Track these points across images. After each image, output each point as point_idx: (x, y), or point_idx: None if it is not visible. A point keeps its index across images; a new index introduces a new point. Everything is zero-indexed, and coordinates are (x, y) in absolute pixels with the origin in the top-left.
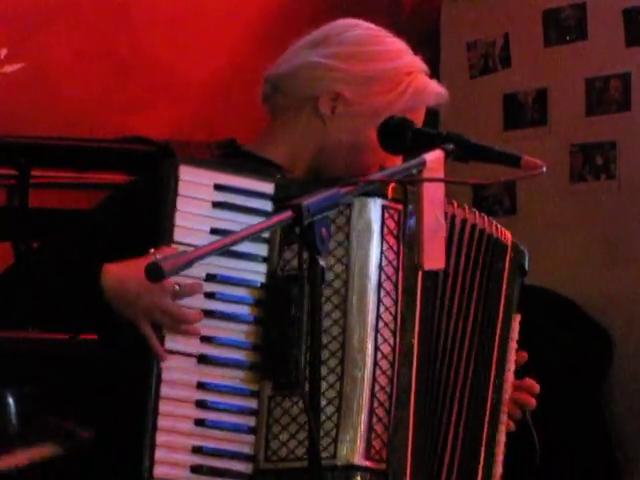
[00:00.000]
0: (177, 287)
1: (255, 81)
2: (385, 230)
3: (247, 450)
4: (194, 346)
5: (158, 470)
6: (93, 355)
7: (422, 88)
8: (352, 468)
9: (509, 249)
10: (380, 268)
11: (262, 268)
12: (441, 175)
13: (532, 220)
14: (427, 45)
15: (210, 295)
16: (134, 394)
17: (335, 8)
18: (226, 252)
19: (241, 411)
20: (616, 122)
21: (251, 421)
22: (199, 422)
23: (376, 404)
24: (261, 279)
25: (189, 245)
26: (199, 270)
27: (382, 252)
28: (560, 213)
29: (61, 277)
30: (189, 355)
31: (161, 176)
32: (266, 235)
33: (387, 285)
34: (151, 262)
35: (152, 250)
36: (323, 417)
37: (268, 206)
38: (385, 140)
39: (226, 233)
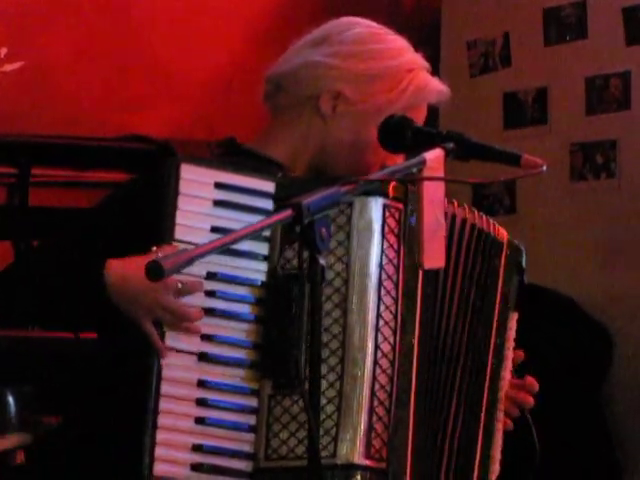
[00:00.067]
0: (179, 285)
1: (255, 80)
2: (386, 229)
3: (247, 448)
4: (195, 344)
5: (158, 468)
6: (93, 353)
7: (423, 85)
8: (352, 467)
9: (505, 246)
10: (381, 267)
11: (263, 267)
12: (441, 174)
13: (532, 219)
14: (427, 44)
15: (211, 293)
16: (134, 392)
17: (335, 7)
18: (227, 250)
19: (241, 409)
20: (616, 121)
21: (251, 419)
22: (199, 420)
23: (376, 403)
24: (262, 278)
25: (190, 243)
26: (200, 268)
27: (383, 251)
28: (560, 212)
29: (62, 275)
30: (189, 353)
31: (162, 174)
32: (267, 234)
33: (387, 284)
34: (151, 260)
35: (154, 248)
36: (323, 416)
37: (269, 205)
38: (385, 139)
39: (227, 231)
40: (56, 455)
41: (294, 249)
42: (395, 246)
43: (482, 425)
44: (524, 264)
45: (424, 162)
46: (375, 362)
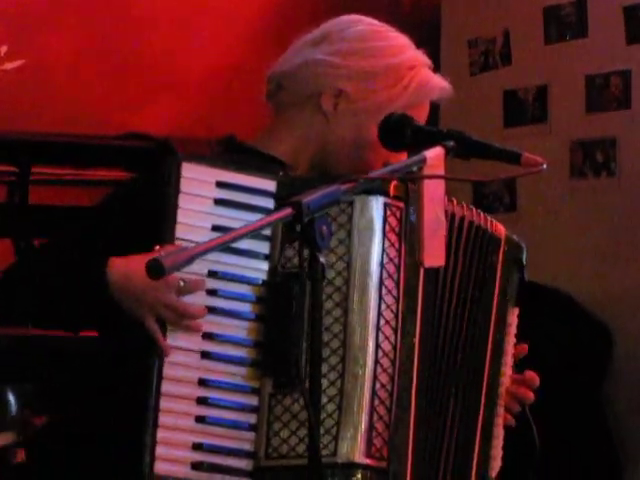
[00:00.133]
0: (182, 283)
1: (255, 78)
2: (387, 228)
3: (248, 447)
4: (195, 343)
5: (158, 466)
6: (94, 352)
7: (425, 82)
8: (353, 466)
9: (502, 242)
10: (382, 266)
11: (264, 265)
12: (441, 172)
13: (532, 217)
14: (427, 42)
15: (212, 292)
16: (135, 390)
17: (335, 6)
18: (228, 249)
19: (242, 408)
20: (616, 119)
21: (252, 418)
22: (200, 419)
23: (377, 402)
24: (263, 276)
25: (191, 242)
26: (201, 267)
27: (384, 250)
28: (560, 210)
29: (63, 274)
30: (190, 351)
31: (163, 173)
32: (268, 233)
33: (388, 283)
34: (152, 259)
35: (157, 247)
36: (324, 414)
37: (270, 204)
38: (385, 137)
39: (228, 230)
40: (56, 454)
41: (295, 248)
42: (396, 245)
43: (481, 421)
44: (524, 261)
45: (424, 160)
46: (376, 361)
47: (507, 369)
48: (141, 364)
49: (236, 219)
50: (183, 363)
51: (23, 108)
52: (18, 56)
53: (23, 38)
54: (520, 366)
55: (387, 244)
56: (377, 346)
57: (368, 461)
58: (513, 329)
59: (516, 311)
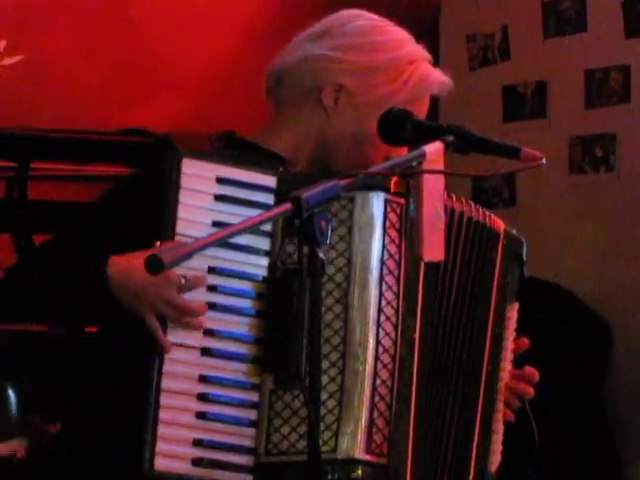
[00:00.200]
0: (182, 280)
1: (254, 75)
2: (387, 224)
3: (248, 443)
4: (196, 339)
5: (159, 462)
6: (94, 349)
7: (425, 77)
8: (353, 462)
9: (501, 237)
10: (382, 262)
11: (264, 262)
12: (441, 167)
13: (531, 212)
14: (426, 37)
15: (212, 288)
16: (135, 387)
17: (335, 2)
18: (229, 245)
19: (242, 404)
20: (616, 114)
21: (252, 414)
22: (200, 415)
23: (377, 398)
24: (263, 272)
25: (191, 238)
26: (201, 263)
27: (384, 246)
28: (559, 205)
29: (63, 272)
30: (191, 348)
31: (163, 168)
32: (268, 229)
33: (389, 279)
34: (151, 254)
35: (158, 243)
36: (324, 411)
37: (271, 199)
38: (385, 132)
39: (228, 226)
40: (57, 450)
41: (295, 244)
42: (396, 241)
43: (479, 416)
44: (524, 255)
45: (424, 155)
46: (376, 357)
47: (506, 364)
48: (141, 360)
49: (236, 215)
50: (183, 359)
51: (22, 104)
52: (17, 52)
53: (22, 34)
54: (520, 362)
55: (387, 240)
56: (377, 342)
57: (368, 457)
58: (513, 324)
59: (516, 306)
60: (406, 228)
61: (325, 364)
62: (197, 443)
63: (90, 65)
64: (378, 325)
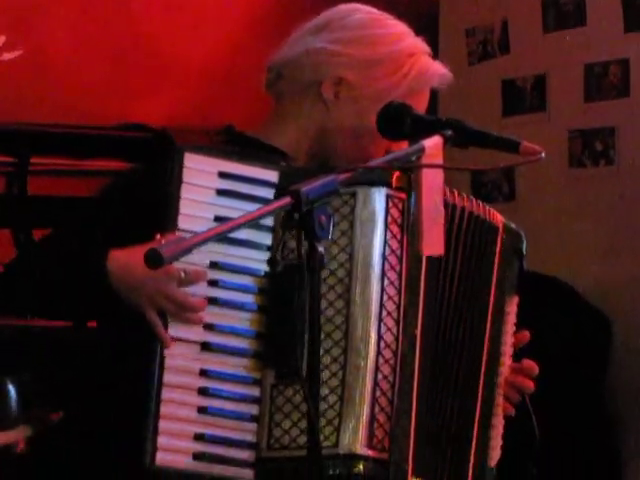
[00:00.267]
0: (182, 274)
1: (254, 68)
2: (389, 219)
3: (249, 438)
4: (197, 333)
5: (160, 457)
6: (95, 343)
7: (425, 70)
8: (354, 457)
9: (500, 231)
10: (384, 257)
11: (266, 256)
12: (440, 161)
13: (531, 206)
14: (425, 31)
15: (213, 283)
16: (136, 381)
17: None
18: (231, 240)
19: (243, 399)
20: (615, 108)
21: (253, 409)
22: (201, 409)
23: (379, 393)
24: (265, 267)
25: (193, 232)
26: (202, 257)
27: (386, 241)
28: (559, 199)
29: (64, 265)
30: (192, 342)
31: (165, 163)
32: (270, 223)
33: (391, 274)
34: (150, 249)
35: (158, 236)
36: (325, 406)
37: (272, 194)
38: (384, 127)
39: (229, 221)
40: (58, 444)
41: (295, 238)
42: (398, 237)
43: (479, 411)
44: (524, 249)
45: (423, 149)
46: (378, 353)
47: (506, 358)
48: (142, 355)
49: (238, 209)
50: (184, 354)
51: (21, 98)
52: (16, 46)
53: (21, 28)
54: (520, 356)
55: (389, 236)
56: (379, 337)
57: (369, 452)
58: (512, 318)
59: (516, 300)
60: (408, 223)
61: (327, 359)
62: (198, 437)
63: (89, 60)
64: (380, 320)
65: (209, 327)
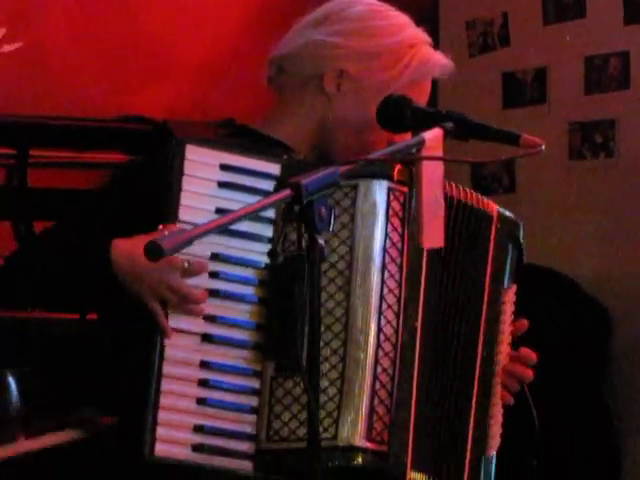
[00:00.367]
0: (186, 264)
1: (254, 61)
2: (390, 212)
3: (249, 430)
4: (198, 325)
5: (159, 448)
6: (95, 334)
7: (426, 60)
8: (353, 449)
9: (494, 219)
10: (384, 250)
11: (267, 249)
12: (440, 154)
13: (531, 198)
14: (426, 23)
15: (214, 274)
16: (136, 372)
17: None
18: (232, 232)
19: (243, 391)
20: (615, 100)
21: (253, 401)
22: (201, 401)
23: (378, 386)
24: (265, 260)
25: (194, 224)
26: (204, 249)
27: (387, 234)
28: (559, 191)
29: (65, 257)
30: (192, 334)
31: (166, 155)
32: (271, 215)
33: (391, 267)
34: (150, 240)
35: (161, 226)
36: (325, 398)
37: (274, 187)
38: (384, 119)
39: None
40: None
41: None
42: (399, 229)
43: (475, 402)
44: (521, 237)
45: (423, 142)
46: (378, 345)
47: (504, 347)
48: (143, 346)
49: (240, 202)
50: (185, 345)
51: (21, 91)
52: (16, 39)
53: (21, 21)
54: (519, 346)
55: (390, 228)
56: (379, 330)
57: (368, 445)
58: (510, 307)
59: (513, 288)
60: (409, 216)
61: (326, 351)
62: (198, 429)
63: (89, 52)
64: (380, 313)
65: (210, 319)
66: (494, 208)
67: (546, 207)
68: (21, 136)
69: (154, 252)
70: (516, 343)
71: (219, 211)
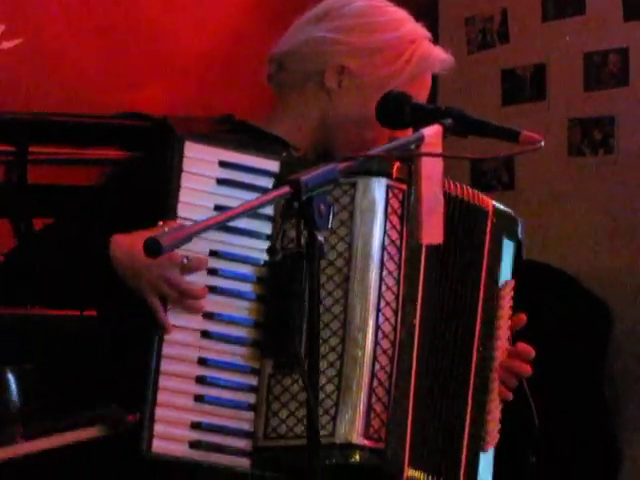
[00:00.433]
0: (185, 260)
1: (255, 57)
2: (389, 210)
3: (246, 427)
4: (196, 322)
5: (156, 444)
6: (94, 331)
7: (427, 55)
8: (350, 446)
9: (490, 214)
10: (383, 247)
11: (265, 245)
12: (439, 150)
13: (530, 195)
14: (425, 20)
15: (213, 271)
16: (134, 369)
17: None
18: (231, 229)
19: (241, 388)
20: (614, 97)
21: (251, 398)
22: (199, 398)
23: (376, 383)
24: (264, 257)
25: (192, 221)
26: (202, 246)
27: (385, 232)
28: (558, 188)
29: (65, 254)
30: (191, 330)
31: (166, 152)
32: (270, 213)
33: (390, 265)
34: (149, 237)
35: (160, 223)
36: (323, 395)
37: (273, 184)
38: (383, 116)
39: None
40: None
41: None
42: (398, 227)
43: (471, 397)
44: (519, 232)
45: (422, 138)
46: (376, 343)
47: (501, 343)
48: (141, 342)
49: (239, 199)
50: (183, 342)
51: (20, 87)
52: (16, 35)
53: (21, 17)
54: (517, 336)
55: (389, 226)
56: (377, 327)
57: (366, 442)
58: (507, 302)
59: (511, 284)
60: (408, 214)
61: (324, 349)
62: (195, 426)
63: (88, 48)
64: (378, 310)
65: (208, 316)
66: (489, 203)
67: (545, 203)
68: (20, 133)
69: (153, 249)
70: (515, 337)
71: (218, 208)
